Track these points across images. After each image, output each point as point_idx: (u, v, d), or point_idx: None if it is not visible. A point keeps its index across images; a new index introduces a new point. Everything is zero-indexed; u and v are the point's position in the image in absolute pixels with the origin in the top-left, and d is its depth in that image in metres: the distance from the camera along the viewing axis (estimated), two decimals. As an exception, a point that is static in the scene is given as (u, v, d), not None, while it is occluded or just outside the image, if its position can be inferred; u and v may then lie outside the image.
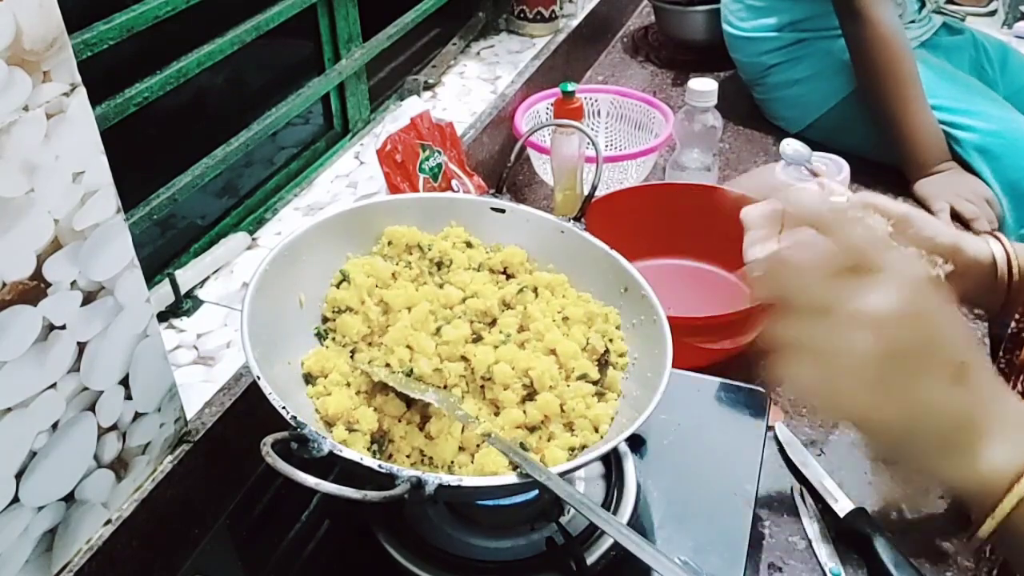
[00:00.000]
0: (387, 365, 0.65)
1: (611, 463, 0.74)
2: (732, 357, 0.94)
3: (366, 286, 0.69)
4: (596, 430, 0.65)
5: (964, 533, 0.75)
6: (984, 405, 0.48)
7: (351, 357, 0.67)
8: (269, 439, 0.50)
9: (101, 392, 0.61)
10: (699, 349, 0.90)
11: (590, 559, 0.65)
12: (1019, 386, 0.63)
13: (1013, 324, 0.66)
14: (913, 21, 1.39)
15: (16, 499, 0.56)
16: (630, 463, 0.73)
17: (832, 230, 0.49)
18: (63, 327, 0.57)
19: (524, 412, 0.64)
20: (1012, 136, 1.25)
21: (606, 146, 1.38)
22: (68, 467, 0.60)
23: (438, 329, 0.67)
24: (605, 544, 0.67)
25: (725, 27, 1.46)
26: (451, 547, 0.67)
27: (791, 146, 1.16)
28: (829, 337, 0.48)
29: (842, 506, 0.77)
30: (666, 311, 0.68)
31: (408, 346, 0.66)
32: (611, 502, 0.71)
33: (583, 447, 0.63)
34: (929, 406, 0.47)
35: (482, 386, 0.65)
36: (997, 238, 0.70)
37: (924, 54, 1.36)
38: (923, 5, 1.39)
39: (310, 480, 0.48)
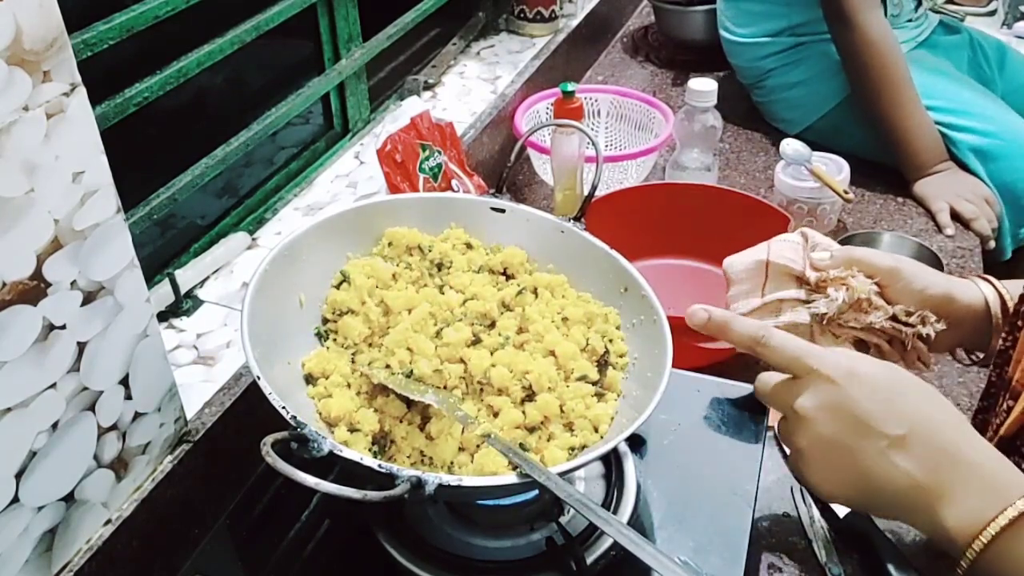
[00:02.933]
0: (387, 366, 0.65)
1: (611, 463, 0.74)
2: (732, 357, 0.94)
3: (366, 287, 0.69)
4: (596, 430, 0.65)
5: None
6: (931, 467, 0.53)
7: (352, 359, 0.67)
8: (269, 439, 0.50)
9: (101, 392, 0.61)
10: (699, 349, 0.90)
11: (590, 559, 0.65)
12: (1007, 403, 0.63)
13: (1000, 342, 0.66)
14: (910, 20, 1.39)
15: (16, 499, 0.56)
16: (630, 463, 0.73)
17: (765, 351, 0.62)
18: (63, 327, 0.57)
19: (524, 413, 0.64)
20: (1008, 137, 1.25)
21: (606, 146, 1.38)
22: (68, 467, 0.60)
23: (438, 331, 0.67)
24: (605, 544, 0.67)
25: (722, 32, 1.46)
26: (451, 547, 0.67)
27: (791, 146, 1.17)
28: (787, 434, 0.60)
29: (842, 506, 0.77)
30: (666, 311, 0.68)
31: (408, 348, 0.66)
32: (611, 502, 0.71)
33: (583, 447, 0.63)
34: (872, 477, 0.55)
35: (481, 388, 0.65)
36: (987, 279, 0.70)
37: (921, 54, 1.36)
38: (919, 4, 1.39)
39: (310, 480, 0.48)
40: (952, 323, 0.68)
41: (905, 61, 1.22)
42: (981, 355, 0.73)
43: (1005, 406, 0.64)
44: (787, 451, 0.61)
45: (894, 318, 0.69)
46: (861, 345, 0.72)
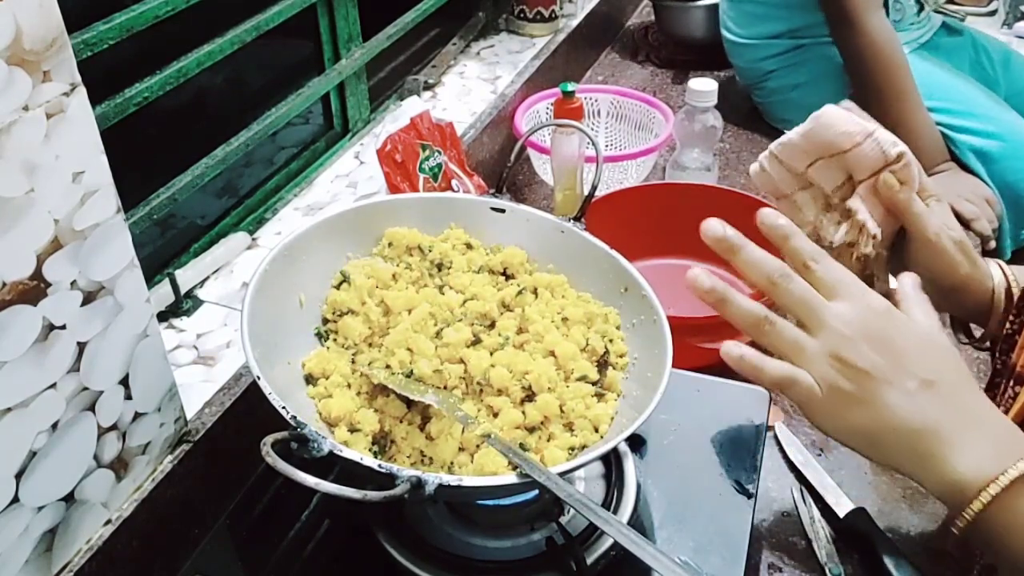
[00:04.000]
0: (387, 367, 0.65)
1: (611, 463, 0.74)
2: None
3: (366, 287, 0.69)
4: (596, 430, 0.65)
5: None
6: (952, 416, 0.52)
7: (352, 360, 0.67)
8: (269, 439, 0.50)
9: (101, 392, 0.61)
10: (699, 349, 0.90)
11: (590, 559, 0.65)
12: (1011, 389, 0.63)
13: (1007, 326, 0.66)
14: (912, 24, 1.39)
15: (16, 499, 0.56)
16: (630, 463, 0.73)
17: (807, 272, 0.56)
18: (63, 327, 0.57)
19: (523, 413, 0.64)
20: (1010, 139, 1.25)
21: (606, 146, 1.38)
22: (68, 467, 0.60)
23: (438, 332, 0.67)
24: (605, 544, 0.67)
25: (723, 32, 1.46)
26: (451, 547, 0.67)
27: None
28: (802, 353, 0.55)
29: (842, 506, 0.77)
30: (666, 311, 0.68)
31: (408, 348, 0.66)
32: (611, 502, 0.71)
33: (583, 447, 0.63)
34: (890, 416, 0.53)
35: (480, 389, 0.65)
36: (998, 263, 0.70)
37: (923, 55, 1.36)
38: (921, 7, 1.39)
39: (310, 480, 0.48)
40: (958, 305, 0.69)
41: (907, 62, 1.22)
42: (976, 336, 0.73)
43: (1011, 392, 0.64)
44: (782, 378, 0.55)
45: (868, 278, 0.69)
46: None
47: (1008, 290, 0.68)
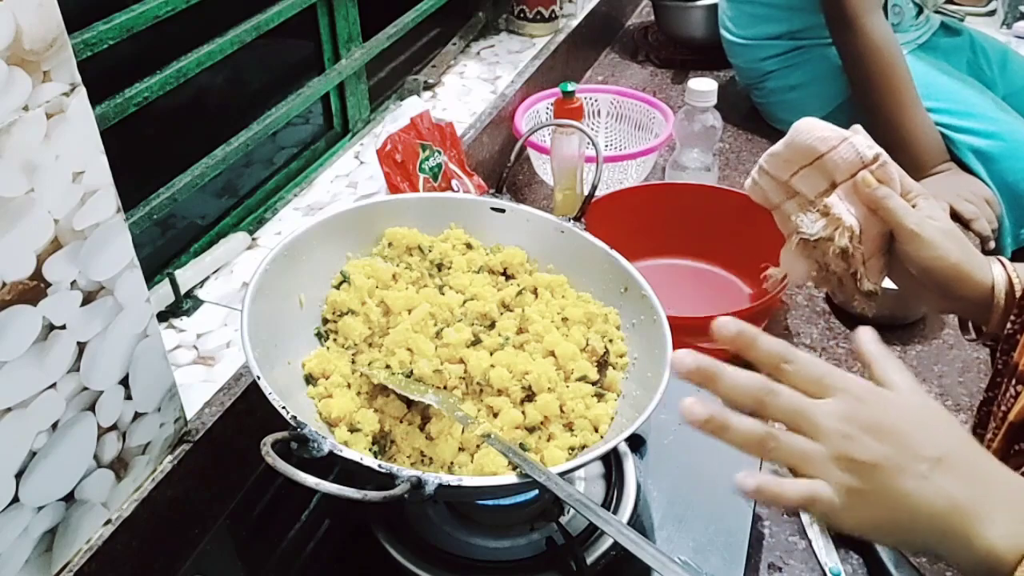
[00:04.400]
0: (387, 367, 0.65)
1: (611, 463, 0.74)
2: (732, 357, 0.94)
3: (366, 288, 0.69)
4: (596, 430, 0.65)
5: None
6: (971, 489, 0.50)
7: (352, 360, 0.67)
8: (269, 439, 0.51)
9: (101, 392, 0.61)
10: (699, 349, 0.90)
11: (590, 559, 0.65)
12: (1013, 388, 0.63)
13: (1009, 326, 0.66)
14: (911, 25, 1.39)
15: (16, 499, 0.56)
16: (630, 463, 0.73)
17: (788, 368, 0.54)
18: (63, 327, 0.57)
19: (523, 413, 0.64)
20: (1009, 139, 1.25)
21: (606, 146, 1.38)
22: (68, 467, 0.60)
23: (438, 332, 0.67)
24: (605, 544, 0.67)
25: (723, 32, 1.46)
26: (451, 547, 0.67)
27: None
28: (809, 449, 0.52)
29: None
30: (666, 311, 0.68)
31: (408, 348, 0.66)
32: (611, 502, 0.71)
33: (583, 447, 0.63)
34: (910, 503, 0.51)
35: (480, 389, 0.65)
36: (1000, 261, 0.70)
37: (921, 56, 1.36)
38: (920, 11, 1.39)
39: (310, 480, 0.48)
40: (959, 297, 0.68)
41: (906, 63, 1.22)
42: (976, 335, 0.73)
43: (1012, 392, 0.64)
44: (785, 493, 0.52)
45: (853, 276, 0.70)
46: (820, 271, 0.72)
47: (1010, 286, 0.68)
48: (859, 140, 0.71)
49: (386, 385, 0.63)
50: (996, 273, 0.69)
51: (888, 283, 0.88)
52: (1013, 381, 0.64)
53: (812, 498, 0.52)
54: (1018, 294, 0.67)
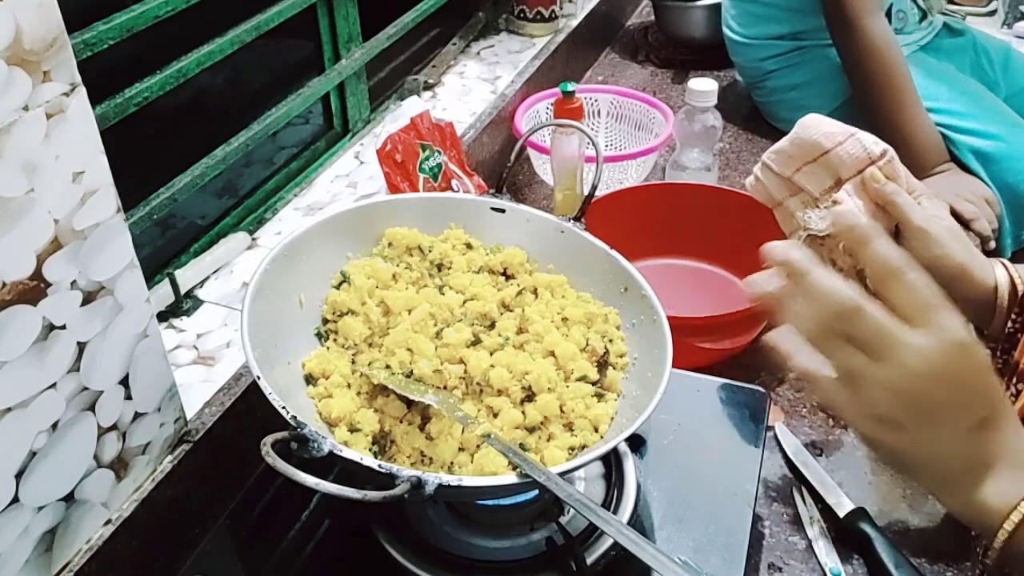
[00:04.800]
0: (387, 367, 0.65)
1: (611, 463, 0.74)
2: (732, 357, 0.94)
3: (366, 288, 0.69)
4: (596, 430, 0.65)
5: (964, 533, 0.75)
6: (998, 452, 0.51)
7: (352, 360, 0.67)
8: (269, 439, 0.50)
9: (101, 392, 0.61)
10: (699, 349, 0.90)
11: (590, 559, 0.65)
12: (1014, 387, 0.63)
13: (1009, 324, 0.66)
14: (914, 30, 1.39)
15: (16, 499, 0.56)
16: (630, 463, 0.73)
17: (886, 286, 0.51)
18: (63, 327, 0.57)
19: (523, 413, 0.64)
20: (1009, 140, 1.25)
21: (606, 146, 1.38)
22: (68, 467, 0.60)
23: (438, 332, 0.67)
24: (605, 544, 0.67)
25: (725, 30, 1.46)
26: (451, 547, 0.67)
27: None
28: (871, 371, 0.50)
29: (842, 506, 0.77)
30: (666, 311, 0.68)
31: (408, 348, 0.66)
32: (611, 502, 0.71)
33: (583, 447, 0.63)
34: (942, 450, 0.51)
35: (480, 389, 0.65)
36: (1003, 262, 0.70)
37: (923, 57, 1.36)
38: (924, 15, 1.39)
39: (310, 480, 0.48)
40: (961, 297, 0.68)
41: (906, 64, 1.22)
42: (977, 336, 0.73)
43: (1014, 390, 0.64)
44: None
45: (860, 272, 0.67)
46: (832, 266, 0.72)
47: (1012, 288, 0.68)
48: (865, 136, 0.71)
49: (386, 385, 0.63)
50: (999, 275, 0.69)
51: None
52: (1014, 379, 0.64)
53: (864, 424, 0.52)
54: (1021, 294, 0.67)
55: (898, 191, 0.69)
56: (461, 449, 0.62)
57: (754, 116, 1.48)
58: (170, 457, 0.70)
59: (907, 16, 1.36)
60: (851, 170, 0.71)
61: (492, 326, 0.70)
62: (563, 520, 0.69)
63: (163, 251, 0.95)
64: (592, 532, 0.68)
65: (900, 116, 1.22)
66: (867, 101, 1.24)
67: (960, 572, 0.73)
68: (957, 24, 1.48)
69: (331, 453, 0.52)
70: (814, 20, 1.31)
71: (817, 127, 0.72)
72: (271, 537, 0.72)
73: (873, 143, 0.71)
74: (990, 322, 0.69)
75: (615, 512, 0.70)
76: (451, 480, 0.52)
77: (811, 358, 0.52)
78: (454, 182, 1.04)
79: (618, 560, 0.66)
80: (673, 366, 0.63)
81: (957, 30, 1.47)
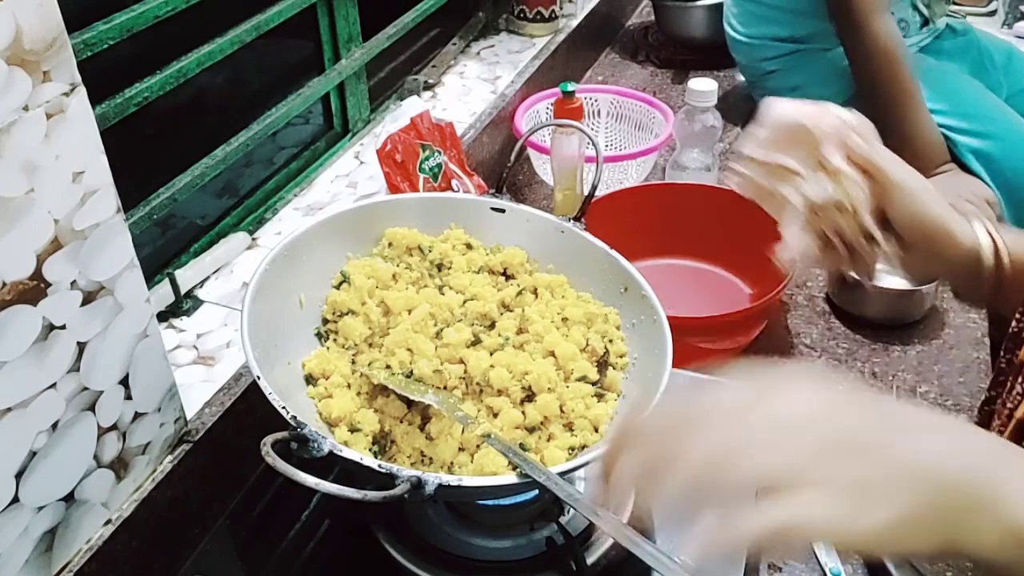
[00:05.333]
0: (387, 367, 0.65)
1: (611, 463, 0.74)
2: (732, 357, 0.94)
3: (366, 288, 0.69)
4: (596, 430, 0.65)
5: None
6: (982, 454, 0.42)
7: (352, 360, 0.67)
8: (269, 439, 0.50)
9: (101, 392, 0.61)
10: (699, 349, 0.90)
11: (590, 559, 0.65)
12: (1019, 386, 0.63)
13: (1014, 323, 0.66)
14: (915, 34, 1.39)
15: (16, 499, 0.56)
16: (630, 463, 0.73)
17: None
18: (63, 327, 0.57)
19: (523, 413, 0.64)
20: (1010, 140, 1.25)
21: (606, 146, 1.38)
22: (68, 467, 0.60)
23: (438, 332, 0.67)
24: (605, 544, 0.67)
25: (727, 28, 1.46)
26: (451, 547, 0.67)
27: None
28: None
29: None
30: (666, 311, 0.68)
31: (408, 348, 0.66)
32: (611, 502, 0.71)
33: (583, 447, 0.63)
34: (931, 473, 0.40)
35: (480, 389, 0.65)
36: (985, 225, 0.67)
37: (923, 58, 1.36)
38: (925, 22, 1.39)
39: (310, 480, 0.48)
40: (942, 258, 0.66)
41: (911, 66, 1.22)
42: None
43: (1019, 389, 0.63)
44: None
45: (867, 237, 0.66)
46: (825, 240, 0.69)
47: (996, 250, 0.66)
48: (833, 106, 0.71)
49: (386, 385, 0.63)
50: (981, 238, 0.66)
51: (888, 283, 0.88)
52: (1020, 379, 0.63)
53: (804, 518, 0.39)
54: (1004, 257, 0.65)
55: (876, 151, 0.68)
56: (461, 449, 0.62)
57: (754, 116, 1.48)
58: (170, 457, 0.70)
59: (909, 24, 1.37)
60: (832, 139, 0.70)
61: (492, 326, 0.70)
62: (563, 520, 0.69)
63: (163, 251, 0.95)
64: (592, 532, 0.68)
65: (904, 116, 1.22)
66: (871, 101, 1.25)
67: (960, 572, 0.73)
68: (959, 25, 1.48)
69: (331, 453, 0.52)
70: (814, 24, 1.32)
71: (788, 108, 0.71)
72: (271, 537, 0.72)
73: (844, 111, 0.70)
74: (976, 286, 0.67)
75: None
76: (451, 480, 0.52)
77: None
78: (454, 182, 1.04)
79: (618, 560, 0.66)
80: (673, 366, 0.63)
81: (959, 31, 1.47)
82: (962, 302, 0.72)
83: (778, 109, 0.71)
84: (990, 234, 0.66)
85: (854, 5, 1.20)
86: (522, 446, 0.62)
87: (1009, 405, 0.64)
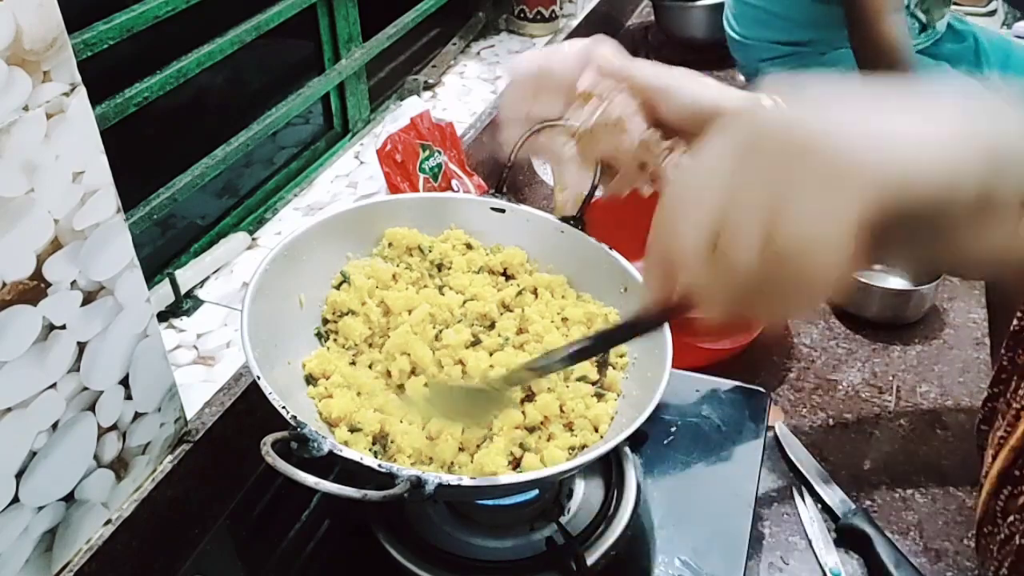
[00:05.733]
0: (387, 373, 0.65)
1: (611, 463, 0.74)
2: (732, 357, 0.94)
3: (366, 288, 0.69)
4: (596, 430, 0.65)
5: (964, 534, 0.75)
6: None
7: (352, 362, 0.67)
8: (269, 439, 0.50)
9: (101, 392, 0.61)
10: (699, 349, 0.90)
11: (590, 559, 0.65)
12: (1023, 388, 0.63)
13: (1015, 322, 0.66)
14: (915, 38, 1.40)
15: (16, 499, 0.56)
16: (630, 463, 0.73)
17: None
18: (63, 327, 0.57)
19: (523, 413, 0.64)
20: None
21: (606, 146, 1.38)
22: (68, 467, 0.60)
23: (438, 334, 0.67)
24: (605, 544, 0.67)
25: (725, 25, 1.47)
26: (451, 547, 0.67)
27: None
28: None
29: (842, 506, 0.77)
30: (666, 311, 0.68)
31: (406, 353, 0.66)
32: (611, 502, 0.71)
33: (583, 447, 0.63)
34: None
35: None
36: (772, 95, 0.58)
37: (920, 58, 1.37)
38: (923, 29, 1.39)
39: (310, 479, 0.48)
40: None
41: (917, 67, 1.23)
42: None
43: (1022, 391, 0.63)
44: None
45: (644, 145, 0.63)
46: (609, 169, 0.67)
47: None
48: (567, 42, 0.66)
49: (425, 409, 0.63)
50: (762, 100, 0.61)
51: (888, 283, 0.88)
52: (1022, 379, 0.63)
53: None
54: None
55: (627, 63, 0.64)
56: (461, 449, 0.62)
57: (754, 116, 1.48)
58: (170, 457, 0.70)
59: (908, 29, 1.37)
60: (573, 70, 0.67)
61: (492, 326, 0.70)
62: (563, 520, 0.69)
63: (163, 251, 0.95)
64: (592, 532, 0.68)
65: None
66: None
67: (960, 572, 0.73)
68: (960, 25, 1.48)
69: (331, 453, 0.52)
70: (808, 33, 1.33)
71: (522, 59, 0.67)
72: (271, 537, 0.72)
73: (580, 41, 0.66)
74: None
75: (615, 512, 0.70)
76: (451, 480, 0.52)
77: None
78: (454, 182, 1.04)
79: (618, 560, 0.66)
80: (673, 366, 0.63)
81: (960, 32, 1.47)
82: None
83: (513, 65, 0.67)
84: (775, 101, 0.62)
85: (865, 4, 1.20)
86: (522, 446, 0.62)
87: (1015, 405, 0.63)
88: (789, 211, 0.35)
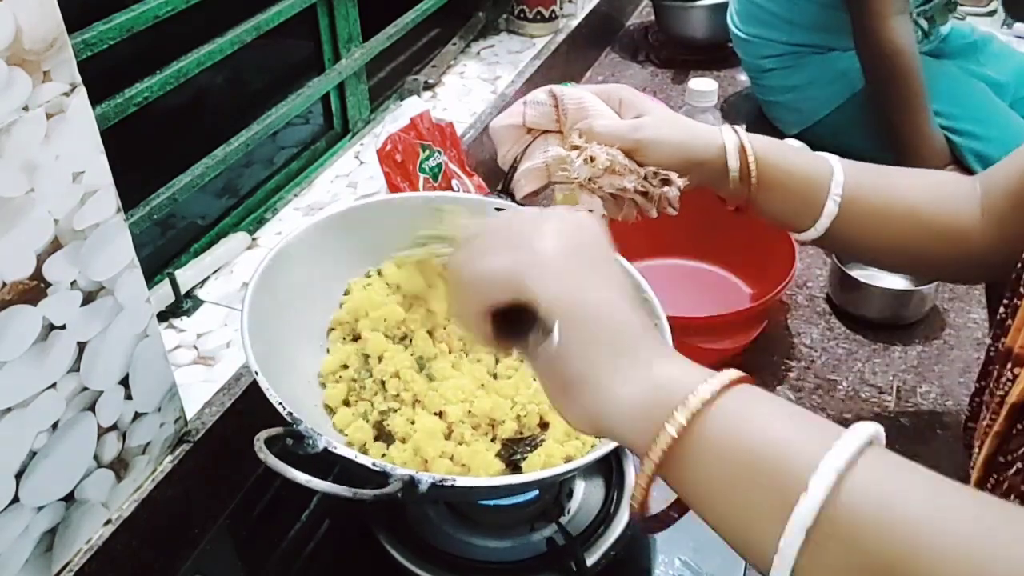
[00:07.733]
0: (382, 383, 0.66)
1: (611, 463, 0.74)
2: (732, 357, 0.94)
3: (366, 305, 0.70)
4: (594, 432, 0.65)
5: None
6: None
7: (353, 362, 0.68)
8: (263, 434, 0.50)
9: (101, 392, 0.61)
10: (699, 349, 0.90)
11: (590, 559, 0.65)
12: (1009, 372, 0.62)
13: (1000, 311, 0.66)
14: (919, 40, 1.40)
15: (16, 499, 0.56)
16: (630, 463, 0.73)
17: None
18: (63, 327, 0.57)
19: (518, 418, 0.64)
20: (1012, 143, 1.25)
21: (606, 146, 1.38)
22: (68, 467, 0.60)
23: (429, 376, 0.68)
24: (605, 544, 0.67)
25: (730, 23, 1.47)
26: (451, 547, 0.67)
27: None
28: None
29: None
30: (666, 311, 0.68)
31: (397, 375, 0.66)
32: (611, 502, 0.71)
33: (579, 454, 0.63)
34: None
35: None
36: (735, 129, 0.72)
37: (926, 60, 1.36)
38: (926, 35, 1.39)
39: (301, 477, 0.48)
40: (691, 163, 0.71)
41: (921, 69, 1.23)
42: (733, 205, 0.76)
43: (1009, 375, 0.63)
44: None
45: (645, 178, 0.72)
46: (616, 200, 0.75)
47: (742, 149, 0.70)
48: (531, 98, 0.75)
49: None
50: (727, 137, 0.71)
51: (888, 283, 0.88)
52: (1009, 364, 0.63)
53: None
54: (750, 156, 0.71)
55: (597, 116, 0.73)
56: (459, 444, 0.62)
57: (754, 116, 1.48)
58: (170, 457, 0.70)
59: (912, 34, 1.37)
60: (552, 124, 0.75)
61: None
62: (563, 520, 0.69)
63: (163, 251, 0.95)
64: (592, 532, 0.68)
65: (910, 118, 1.22)
66: (880, 100, 1.25)
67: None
68: (965, 28, 1.48)
69: (326, 450, 0.52)
70: (811, 35, 1.32)
71: (500, 123, 0.77)
72: (271, 537, 0.72)
73: (541, 95, 0.75)
74: (728, 189, 0.73)
75: (614, 512, 0.70)
76: (445, 479, 0.52)
77: None
78: (454, 182, 1.04)
79: (618, 560, 0.66)
80: (673, 366, 0.63)
81: (963, 33, 1.47)
82: (730, 206, 0.77)
83: (492, 127, 0.78)
84: (736, 133, 0.72)
85: (871, 5, 1.20)
86: (520, 451, 0.62)
87: (999, 392, 0.63)
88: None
